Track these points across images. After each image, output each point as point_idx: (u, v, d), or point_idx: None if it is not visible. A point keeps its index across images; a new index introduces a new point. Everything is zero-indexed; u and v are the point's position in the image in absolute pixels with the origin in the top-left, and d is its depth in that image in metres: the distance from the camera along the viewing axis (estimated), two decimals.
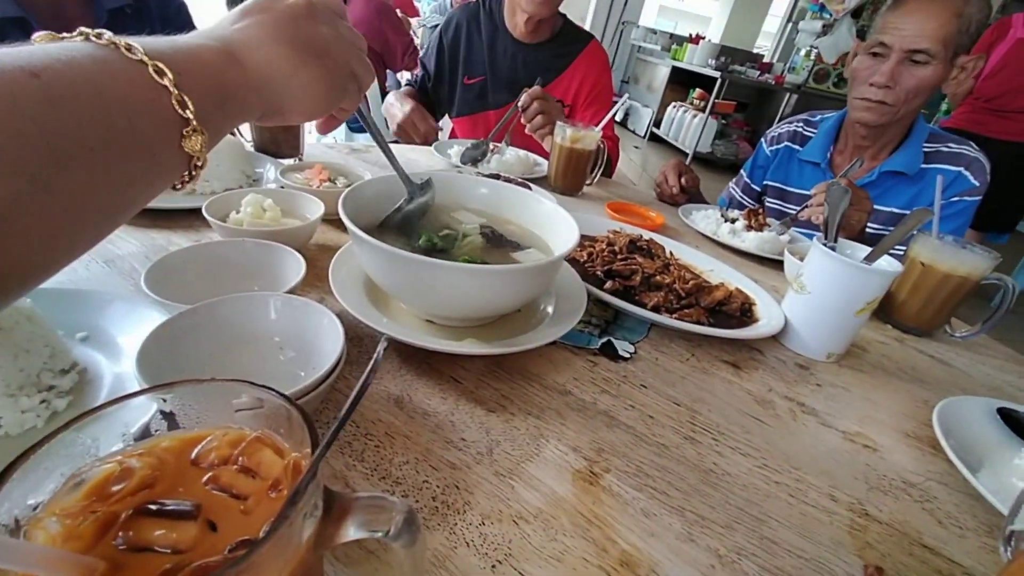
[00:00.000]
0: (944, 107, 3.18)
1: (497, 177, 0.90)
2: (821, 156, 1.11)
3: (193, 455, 0.22)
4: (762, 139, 1.27)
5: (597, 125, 1.05)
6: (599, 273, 0.67)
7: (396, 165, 0.56)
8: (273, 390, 0.23)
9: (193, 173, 0.29)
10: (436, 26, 1.45)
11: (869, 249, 0.62)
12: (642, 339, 0.59)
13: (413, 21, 3.87)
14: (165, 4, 0.94)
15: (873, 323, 0.75)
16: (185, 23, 0.99)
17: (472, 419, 0.43)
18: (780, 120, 1.30)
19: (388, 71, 2.48)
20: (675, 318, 0.60)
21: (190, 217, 0.64)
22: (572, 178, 1.05)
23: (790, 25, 5.36)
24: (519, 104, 1.09)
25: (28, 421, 0.33)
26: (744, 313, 0.65)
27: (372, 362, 0.18)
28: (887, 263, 0.59)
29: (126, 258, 0.56)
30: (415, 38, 2.66)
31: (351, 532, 0.21)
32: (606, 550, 0.34)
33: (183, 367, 0.35)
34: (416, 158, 1.13)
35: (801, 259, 0.78)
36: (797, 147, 1.18)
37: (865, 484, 0.44)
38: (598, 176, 1.10)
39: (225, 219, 0.57)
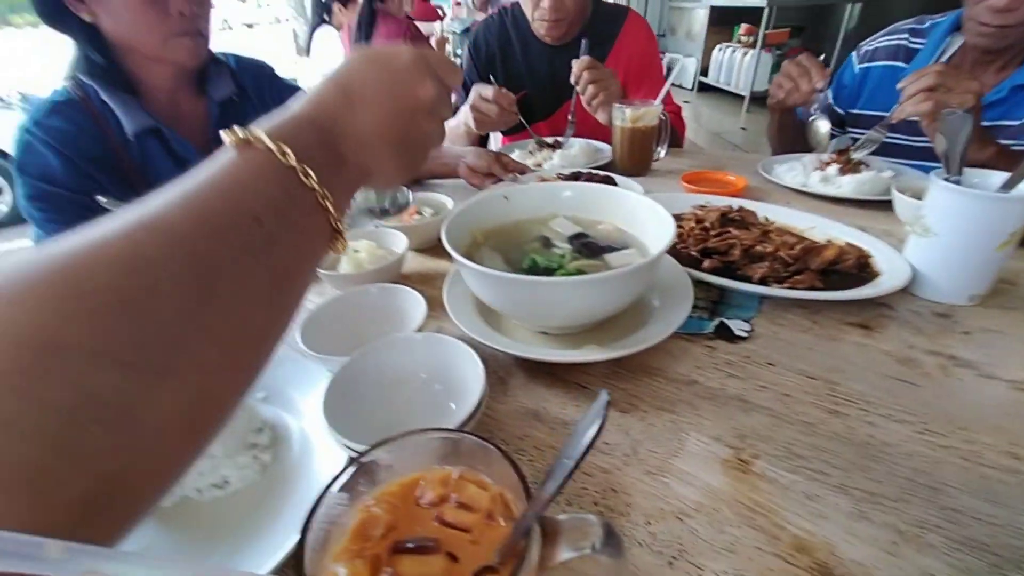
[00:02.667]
0: None
1: (578, 176, 0.91)
2: None
3: (416, 497, 0.25)
4: (852, 53, 1.13)
5: (655, 99, 1.02)
6: (694, 253, 0.66)
7: None
8: (469, 432, 0.26)
9: (336, 238, 0.30)
10: (466, 30, 1.41)
11: (999, 175, 0.55)
12: (755, 315, 0.58)
13: (436, 24, 3.95)
14: (261, 86, 1.02)
15: (1018, 251, 0.68)
16: (284, 92, 1.04)
17: (609, 422, 0.44)
18: (846, 34, 1.16)
19: None
20: (786, 287, 0.58)
21: None
22: (639, 157, 1.03)
23: None
24: (571, 78, 1.06)
25: (248, 477, 0.40)
26: (862, 269, 0.61)
27: (601, 418, 0.20)
28: None
29: None
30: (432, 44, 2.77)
31: (563, 553, 0.23)
32: (777, 537, 0.34)
33: (358, 413, 0.40)
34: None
35: (915, 197, 0.72)
36: (902, 64, 1.02)
37: None
38: (665, 150, 1.07)
39: (334, 267, 0.65)
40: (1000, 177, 0.56)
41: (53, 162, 0.78)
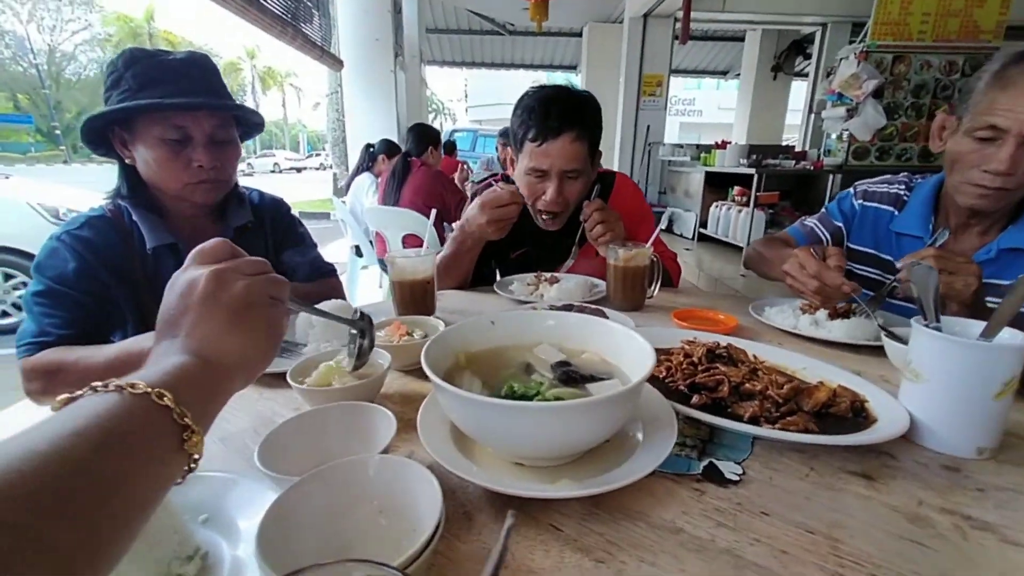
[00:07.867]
0: None
1: (571, 308, 0.93)
2: (923, 230, 1.02)
3: None
4: (850, 189, 1.20)
5: (646, 243, 1.09)
6: (682, 388, 0.64)
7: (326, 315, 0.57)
8: (389, 567, 0.23)
9: (193, 466, 0.35)
10: (483, 180, 1.53)
11: (981, 324, 0.56)
12: (748, 456, 0.54)
13: (455, 175, 4.46)
14: (276, 218, 1.15)
15: None
16: (293, 228, 1.17)
17: (581, 574, 0.39)
18: (830, 198, 1.24)
19: (446, 224, 2.84)
20: (778, 428, 0.55)
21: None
22: (631, 294, 1.07)
23: (813, 115, 5.58)
24: (581, 217, 1.15)
25: None
26: (857, 413, 0.59)
27: (501, 544, 0.18)
28: (1010, 335, 0.53)
29: (238, 435, 0.61)
30: (467, 192, 3.11)
31: None
32: None
33: (296, 544, 0.36)
34: (480, 297, 1.20)
35: (904, 342, 0.72)
36: (895, 211, 1.10)
37: None
38: (657, 289, 1.11)
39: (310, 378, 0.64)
40: (979, 326, 0.56)
41: (71, 266, 0.86)
